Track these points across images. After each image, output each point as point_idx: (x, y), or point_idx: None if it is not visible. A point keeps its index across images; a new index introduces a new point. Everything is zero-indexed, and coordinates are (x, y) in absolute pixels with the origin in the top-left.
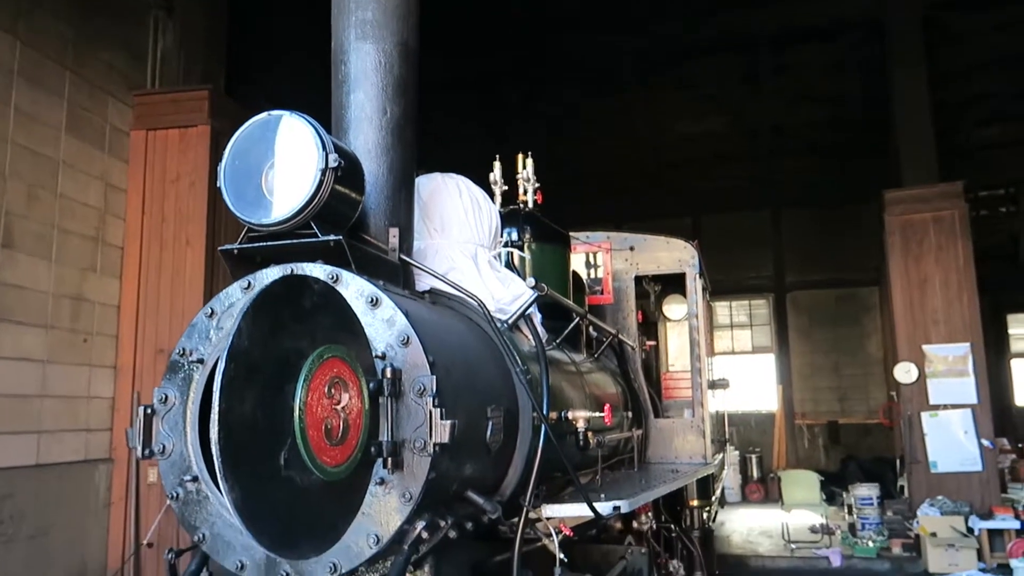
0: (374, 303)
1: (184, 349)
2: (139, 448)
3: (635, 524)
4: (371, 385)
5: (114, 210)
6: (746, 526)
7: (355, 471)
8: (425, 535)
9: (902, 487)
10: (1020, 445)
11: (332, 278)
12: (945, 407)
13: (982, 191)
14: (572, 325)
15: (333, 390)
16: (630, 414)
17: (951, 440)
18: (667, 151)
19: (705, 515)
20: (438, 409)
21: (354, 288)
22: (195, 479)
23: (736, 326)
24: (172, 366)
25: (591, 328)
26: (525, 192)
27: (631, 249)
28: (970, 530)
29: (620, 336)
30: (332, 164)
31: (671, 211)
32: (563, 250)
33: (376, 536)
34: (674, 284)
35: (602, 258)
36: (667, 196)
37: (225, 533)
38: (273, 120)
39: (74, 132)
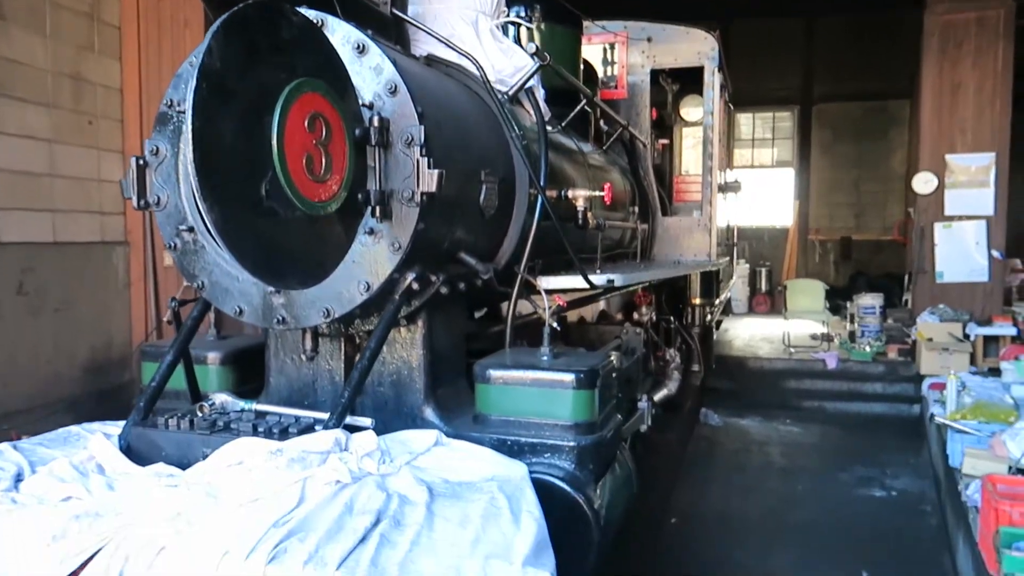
0: (361, 50)
1: (171, 100)
2: (135, 199)
3: (635, 315)
4: (357, 132)
5: None
6: (749, 333)
7: (341, 215)
8: (416, 287)
9: (906, 300)
10: None
11: (319, 23)
12: (960, 218)
13: None
14: (579, 107)
15: (314, 124)
16: (636, 209)
17: (961, 251)
18: None
19: (708, 317)
20: (426, 159)
21: (340, 34)
22: (191, 229)
23: (758, 142)
24: (160, 118)
25: (601, 121)
26: None
27: (648, 40)
28: (967, 336)
29: (631, 130)
30: None
31: (698, 14)
32: (574, 32)
33: (367, 283)
34: (692, 85)
35: (618, 52)
36: None
37: (223, 281)
38: None
39: None
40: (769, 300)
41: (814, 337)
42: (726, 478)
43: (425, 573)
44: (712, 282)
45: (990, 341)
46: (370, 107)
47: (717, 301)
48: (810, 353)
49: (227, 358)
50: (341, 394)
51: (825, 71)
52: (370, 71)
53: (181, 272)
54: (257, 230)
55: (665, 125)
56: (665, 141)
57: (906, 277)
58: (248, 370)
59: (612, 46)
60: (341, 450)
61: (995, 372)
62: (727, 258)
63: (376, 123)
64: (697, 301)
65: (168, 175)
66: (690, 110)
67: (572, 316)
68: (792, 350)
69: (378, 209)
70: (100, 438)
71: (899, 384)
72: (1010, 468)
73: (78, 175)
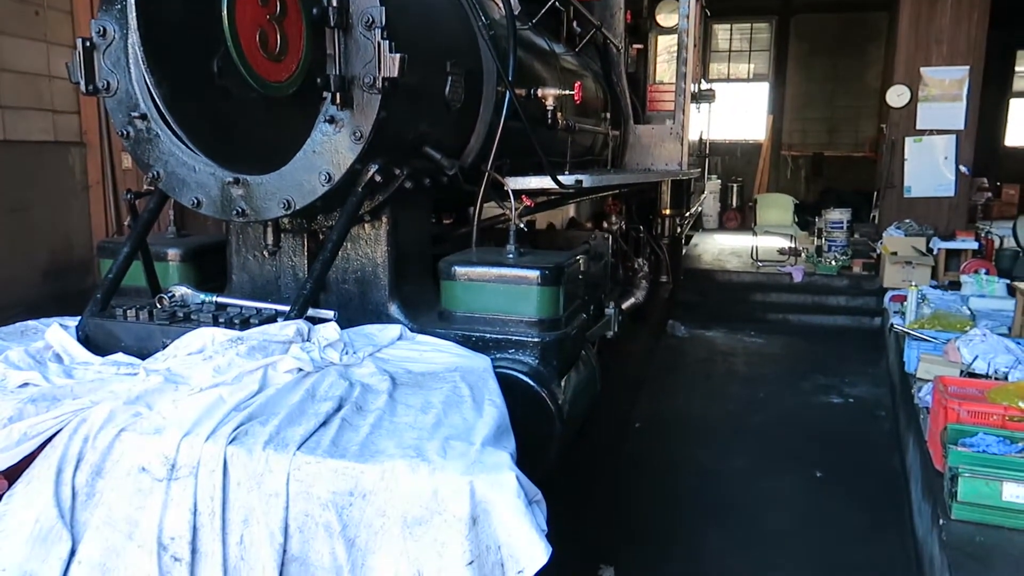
0: None
1: None
2: (82, 83)
3: (605, 224)
4: (314, 11)
5: None
6: (718, 247)
7: (300, 101)
8: (379, 179)
9: (874, 216)
10: (999, 184)
11: None
12: (931, 132)
13: None
14: (551, 3)
15: None
16: (608, 115)
17: (930, 165)
18: None
19: (678, 228)
20: (387, 42)
21: None
22: (144, 117)
23: (734, 54)
24: None
25: (575, 23)
26: None
27: None
28: (930, 250)
29: (605, 32)
30: None
31: None
32: None
33: (328, 174)
34: None
35: None
36: None
37: (179, 171)
38: None
39: None
40: (740, 216)
41: (781, 251)
42: (690, 385)
43: (386, 452)
44: (683, 193)
45: (952, 255)
46: None
47: (687, 213)
48: (777, 267)
49: (188, 255)
50: (303, 286)
51: None
52: None
53: (136, 162)
54: (210, 109)
55: (641, 31)
56: (640, 46)
57: (875, 194)
58: (210, 267)
59: None
60: (303, 340)
61: (955, 285)
62: (698, 170)
63: (335, 3)
64: (667, 212)
65: (118, 58)
66: (666, 15)
67: (541, 223)
68: (759, 264)
69: (338, 96)
70: (57, 328)
71: (862, 297)
72: (962, 372)
73: (26, 69)
